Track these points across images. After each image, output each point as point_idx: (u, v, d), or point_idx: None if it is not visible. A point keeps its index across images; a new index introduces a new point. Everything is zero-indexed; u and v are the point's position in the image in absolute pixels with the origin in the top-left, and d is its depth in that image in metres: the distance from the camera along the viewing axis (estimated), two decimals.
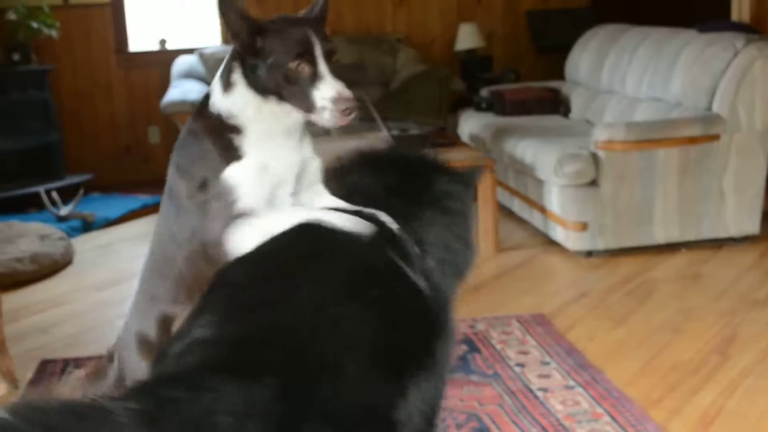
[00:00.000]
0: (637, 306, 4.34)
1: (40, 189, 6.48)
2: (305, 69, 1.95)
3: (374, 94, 7.35)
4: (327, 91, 1.95)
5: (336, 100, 1.94)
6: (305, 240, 1.97)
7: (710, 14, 6.19)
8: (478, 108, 6.91)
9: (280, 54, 1.96)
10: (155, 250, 2.18)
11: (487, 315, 4.24)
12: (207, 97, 2.08)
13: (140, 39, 7.88)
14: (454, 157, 5.35)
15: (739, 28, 5.66)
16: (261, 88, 1.99)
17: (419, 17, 8.22)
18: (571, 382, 3.46)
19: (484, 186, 5.20)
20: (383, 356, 1.77)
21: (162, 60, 7.69)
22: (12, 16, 6.95)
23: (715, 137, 5.02)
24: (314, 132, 2.17)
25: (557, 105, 6.78)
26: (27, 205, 6.71)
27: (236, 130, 2.01)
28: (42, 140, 7.10)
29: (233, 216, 1.97)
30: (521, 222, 5.83)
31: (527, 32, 8.38)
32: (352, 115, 1.96)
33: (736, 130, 5.07)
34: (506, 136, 5.91)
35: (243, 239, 1.97)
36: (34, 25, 6.98)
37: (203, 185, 2.01)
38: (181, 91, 6.92)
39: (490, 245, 5.24)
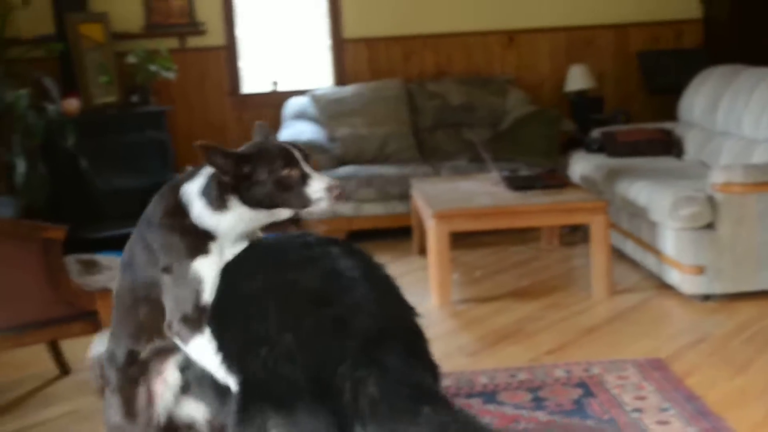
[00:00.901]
0: (757, 353, 4.21)
1: None
2: (295, 173, 2.30)
3: (484, 134, 7.36)
4: (319, 185, 2.30)
5: (329, 189, 2.30)
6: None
7: None
8: (589, 149, 6.85)
9: (268, 170, 2.29)
10: (118, 301, 2.52)
11: (602, 359, 4.17)
12: (178, 199, 2.37)
13: (253, 80, 8.05)
14: (566, 198, 5.32)
15: None
16: (257, 203, 2.32)
17: (528, 58, 8.22)
18: (692, 430, 3.37)
19: (597, 228, 5.14)
20: None
21: (274, 101, 7.85)
22: (132, 59, 7.19)
23: None
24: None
25: (669, 146, 6.67)
26: None
27: (211, 237, 2.33)
28: (160, 179, 7.23)
29: (196, 304, 2.30)
30: (634, 265, 5.74)
31: (638, 73, 8.30)
32: (344, 197, 2.29)
33: None
34: (619, 177, 5.84)
35: (200, 350, 2.30)
36: (153, 68, 7.21)
37: (166, 269, 2.33)
38: (293, 131, 7.06)
39: (603, 288, 5.17)
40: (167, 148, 7.39)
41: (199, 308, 2.30)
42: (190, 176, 2.42)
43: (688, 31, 8.42)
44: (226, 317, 2.27)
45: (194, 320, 2.30)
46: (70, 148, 6.71)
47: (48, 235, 3.81)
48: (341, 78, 7.99)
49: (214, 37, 7.87)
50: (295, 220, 5.54)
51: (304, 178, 2.31)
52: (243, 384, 2.14)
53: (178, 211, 2.36)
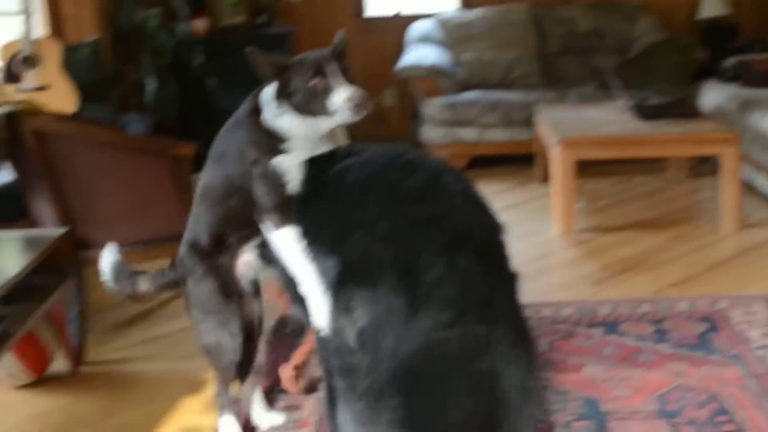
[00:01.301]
0: None
1: None
2: (320, 84, 2.44)
3: (612, 61, 7.17)
4: (339, 95, 2.43)
5: (348, 100, 2.42)
6: None
7: None
8: (723, 78, 6.61)
9: (301, 79, 2.46)
10: (206, 192, 2.73)
11: (729, 294, 4.07)
12: (258, 101, 2.59)
13: (378, 4, 8.01)
14: (697, 129, 5.17)
15: None
16: (297, 109, 2.49)
17: None
18: None
19: (728, 160, 4.99)
20: None
21: (398, 25, 7.79)
22: None
23: None
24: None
25: None
26: None
27: (282, 139, 2.54)
28: None
29: (282, 195, 2.51)
30: (765, 199, 5.56)
31: None
32: (364, 111, 2.44)
33: None
34: (752, 108, 5.63)
35: (283, 234, 2.50)
36: None
37: (254, 163, 2.55)
38: (417, 55, 7.00)
39: (732, 222, 5.03)
40: None
41: (284, 199, 2.52)
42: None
43: None
44: (324, 205, 2.45)
45: (280, 211, 2.51)
46: (198, 68, 6.83)
47: (178, 152, 3.91)
48: (467, 1, 7.88)
49: None
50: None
51: (328, 90, 2.45)
52: (336, 265, 2.29)
53: (257, 111, 2.58)
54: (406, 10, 7.94)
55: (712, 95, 6.44)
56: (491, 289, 2.22)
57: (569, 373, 3.35)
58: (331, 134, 2.65)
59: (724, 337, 3.61)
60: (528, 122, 6.45)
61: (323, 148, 2.61)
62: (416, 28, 7.52)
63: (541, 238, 5.07)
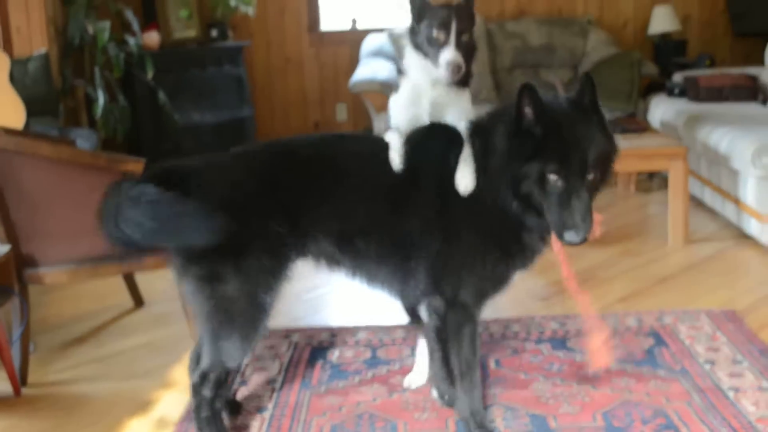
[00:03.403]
0: None
1: None
2: (441, 37, 2.82)
3: (563, 76, 7.24)
4: (445, 55, 2.80)
5: (448, 63, 2.79)
6: None
7: None
8: (671, 94, 6.70)
9: (429, 25, 2.83)
10: None
11: (676, 308, 4.11)
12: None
13: (332, 18, 8.01)
14: (645, 144, 5.22)
15: None
16: (416, 46, 2.90)
17: None
18: (766, 384, 3.32)
19: (675, 175, 5.05)
20: None
21: (352, 39, 7.81)
22: None
23: None
24: None
25: (755, 92, 6.48)
26: None
27: (402, 72, 2.98)
28: (236, 114, 7.34)
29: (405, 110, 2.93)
30: (712, 214, 5.63)
31: (725, 15, 8.05)
32: (457, 76, 2.80)
33: None
34: (700, 123, 5.71)
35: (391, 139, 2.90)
36: (232, 2, 7.22)
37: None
38: (370, 70, 7.01)
39: (679, 236, 5.09)
40: (244, 84, 7.42)
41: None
42: None
43: None
44: None
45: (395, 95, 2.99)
46: (150, 81, 6.79)
47: (126, 167, 3.85)
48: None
49: None
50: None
51: (443, 44, 2.81)
52: None
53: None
54: (362, 24, 7.96)
55: (661, 110, 6.52)
56: None
57: (517, 390, 3.36)
58: (438, 84, 2.89)
59: (670, 352, 3.64)
60: None
61: (430, 95, 2.91)
62: (370, 43, 7.53)
63: None
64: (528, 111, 2.66)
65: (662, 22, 7.74)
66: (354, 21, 7.95)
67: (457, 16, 2.82)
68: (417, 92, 2.92)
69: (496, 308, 4.19)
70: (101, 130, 6.49)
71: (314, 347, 3.86)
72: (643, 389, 3.32)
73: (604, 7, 8.00)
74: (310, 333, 4.04)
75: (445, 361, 3.11)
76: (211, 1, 7.27)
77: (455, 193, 2.80)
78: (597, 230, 2.82)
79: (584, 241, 2.66)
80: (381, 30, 7.66)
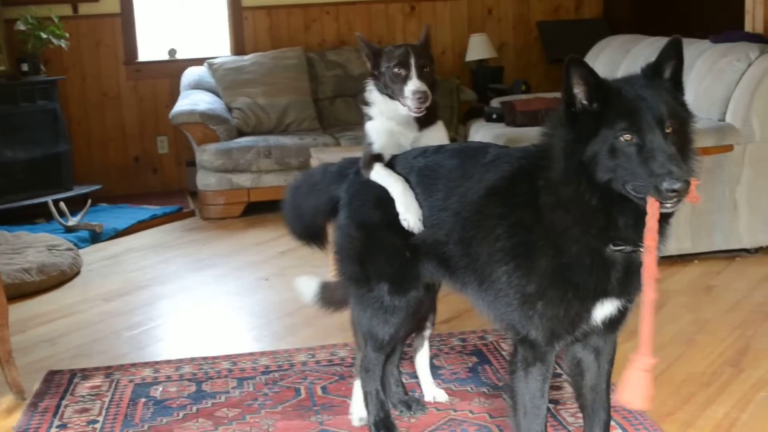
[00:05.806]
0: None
1: (49, 199, 6.46)
2: (402, 72, 3.02)
3: None
4: (410, 86, 2.99)
5: (413, 92, 2.97)
6: None
7: (724, 25, 6.12)
8: (489, 119, 6.86)
9: (387, 64, 3.05)
10: None
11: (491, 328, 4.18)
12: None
13: (150, 49, 7.87)
14: None
15: (752, 38, 5.60)
16: (381, 89, 3.09)
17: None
18: None
19: None
20: None
21: (171, 70, 7.68)
22: (21, 26, 6.94)
23: (729, 148, 4.98)
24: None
25: None
26: (35, 216, 6.70)
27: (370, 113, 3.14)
28: (51, 151, 7.08)
29: (370, 152, 3.03)
30: None
31: (538, 43, 8.36)
32: (424, 105, 2.97)
33: (750, 141, 5.03)
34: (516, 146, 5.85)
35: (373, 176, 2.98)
36: (44, 35, 6.97)
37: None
38: (191, 101, 6.92)
39: None
40: (59, 119, 7.17)
41: (371, 156, 3.01)
42: None
43: (587, 2, 8.50)
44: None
45: (366, 163, 2.99)
46: None
47: None
48: (240, 47, 7.86)
49: (108, 4, 7.64)
50: None
51: (405, 79, 3.00)
52: None
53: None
54: (181, 54, 7.84)
55: (480, 135, 6.65)
56: None
57: (345, 415, 3.33)
58: (407, 119, 3.06)
59: (494, 369, 3.69)
60: (303, 167, 6.46)
61: (403, 131, 3.07)
62: (189, 74, 7.44)
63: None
64: (579, 90, 2.33)
65: (478, 49, 7.96)
66: (172, 51, 7.83)
67: (414, 53, 3.04)
68: (394, 138, 3.06)
69: (325, 335, 4.18)
70: None
71: (137, 384, 3.74)
72: (467, 407, 3.36)
73: None
74: (132, 370, 3.91)
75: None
76: (22, 34, 6.99)
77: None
78: (696, 195, 2.26)
79: (686, 188, 2.16)
80: (201, 60, 7.57)
